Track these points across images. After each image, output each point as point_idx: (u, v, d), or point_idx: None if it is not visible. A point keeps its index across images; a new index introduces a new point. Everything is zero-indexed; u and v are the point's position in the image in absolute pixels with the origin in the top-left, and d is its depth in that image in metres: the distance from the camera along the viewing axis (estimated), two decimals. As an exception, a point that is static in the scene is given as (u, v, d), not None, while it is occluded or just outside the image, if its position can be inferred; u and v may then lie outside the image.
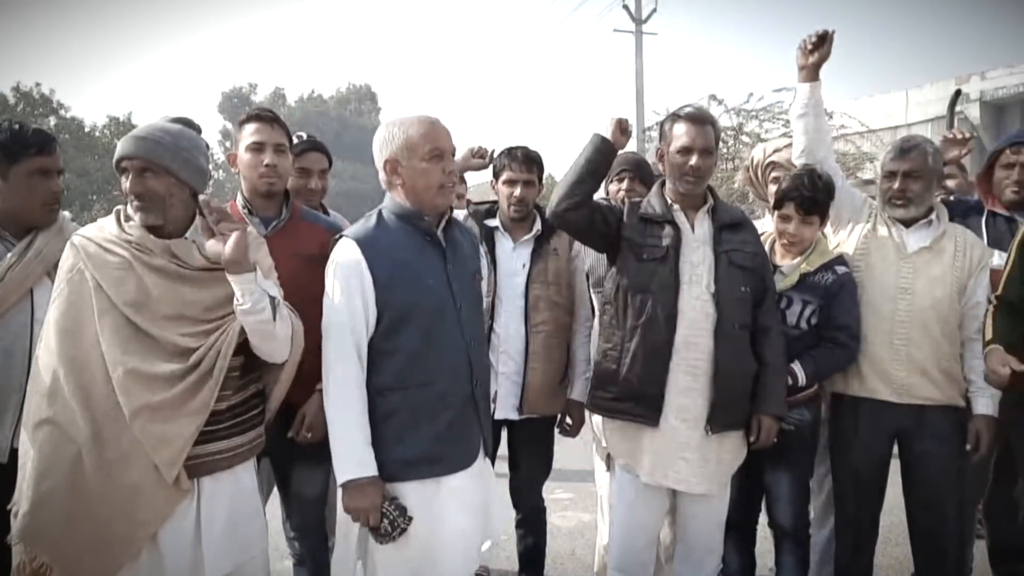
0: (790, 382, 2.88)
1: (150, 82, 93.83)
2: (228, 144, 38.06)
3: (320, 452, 2.34)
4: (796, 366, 2.91)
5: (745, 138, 13.99)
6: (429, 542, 2.29)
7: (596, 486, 3.68)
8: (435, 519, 2.29)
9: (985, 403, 2.97)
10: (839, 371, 3.01)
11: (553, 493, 4.88)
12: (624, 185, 3.51)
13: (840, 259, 3.03)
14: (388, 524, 2.21)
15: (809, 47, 3.08)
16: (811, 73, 3.12)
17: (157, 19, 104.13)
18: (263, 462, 2.76)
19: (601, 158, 2.74)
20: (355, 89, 53.07)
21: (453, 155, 2.39)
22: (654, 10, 21.17)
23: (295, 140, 3.08)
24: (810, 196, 2.98)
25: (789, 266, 3.02)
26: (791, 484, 3.01)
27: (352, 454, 2.22)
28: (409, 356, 2.28)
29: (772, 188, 3.43)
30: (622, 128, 2.76)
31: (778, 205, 3.04)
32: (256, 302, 2.12)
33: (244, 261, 2.11)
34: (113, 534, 2.06)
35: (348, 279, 2.25)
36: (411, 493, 2.28)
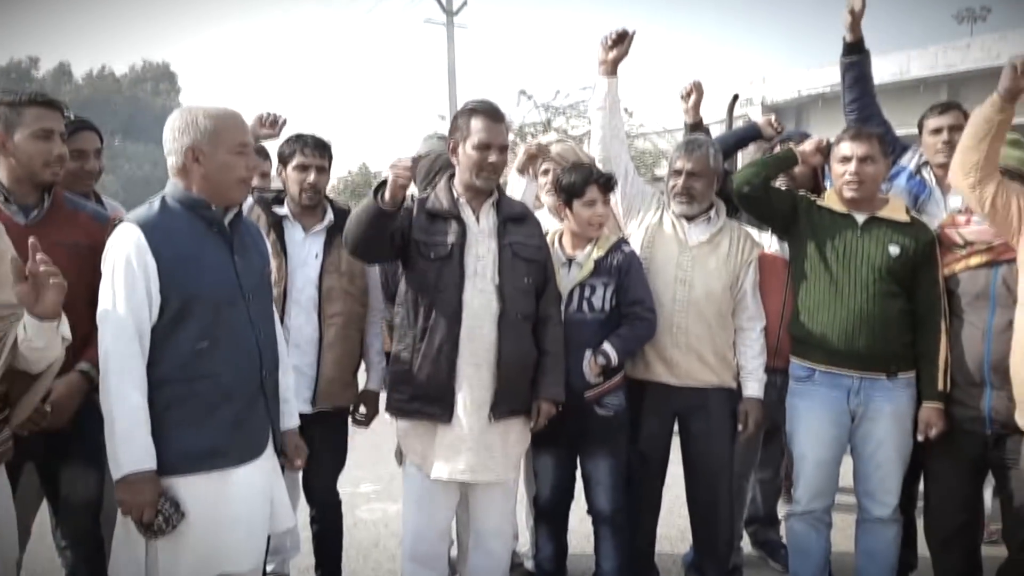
0: (603, 362, 3.00)
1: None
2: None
3: (93, 453, 2.21)
4: (607, 347, 3.01)
5: (553, 134, 14.45)
6: (213, 535, 2.21)
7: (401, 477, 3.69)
8: (220, 512, 2.22)
9: (754, 387, 3.23)
10: (644, 343, 3.14)
11: (358, 486, 4.84)
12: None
13: (623, 239, 3.21)
14: (162, 520, 2.12)
15: (609, 43, 3.23)
16: (610, 68, 3.27)
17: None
18: (26, 468, 2.55)
19: None
20: (151, 67, 49.79)
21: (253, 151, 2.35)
22: (464, 3, 21.40)
23: None
24: (609, 177, 3.14)
25: (582, 256, 3.13)
26: (609, 470, 3.13)
27: (132, 448, 2.10)
28: (194, 347, 2.20)
29: (542, 180, 3.57)
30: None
31: (578, 193, 3.11)
32: (49, 344, 2.00)
33: (55, 312, 1.99)
34: None
35: (130, 266, 2.14)
36: (195, 486, 2.19)
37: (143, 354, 2.15)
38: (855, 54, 3.67)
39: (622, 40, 3.23)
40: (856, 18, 3.57)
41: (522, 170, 3.59)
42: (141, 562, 2.20)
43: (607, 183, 3.13)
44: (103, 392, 2.14)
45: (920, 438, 2.94)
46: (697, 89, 3.99)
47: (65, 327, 2.09)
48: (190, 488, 2.19)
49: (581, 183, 3.11)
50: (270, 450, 2.41)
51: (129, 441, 2.11)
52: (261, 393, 2.35)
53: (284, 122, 3.51)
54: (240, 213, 2.40)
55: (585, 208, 3.12)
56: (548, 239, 3.20)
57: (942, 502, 3.01)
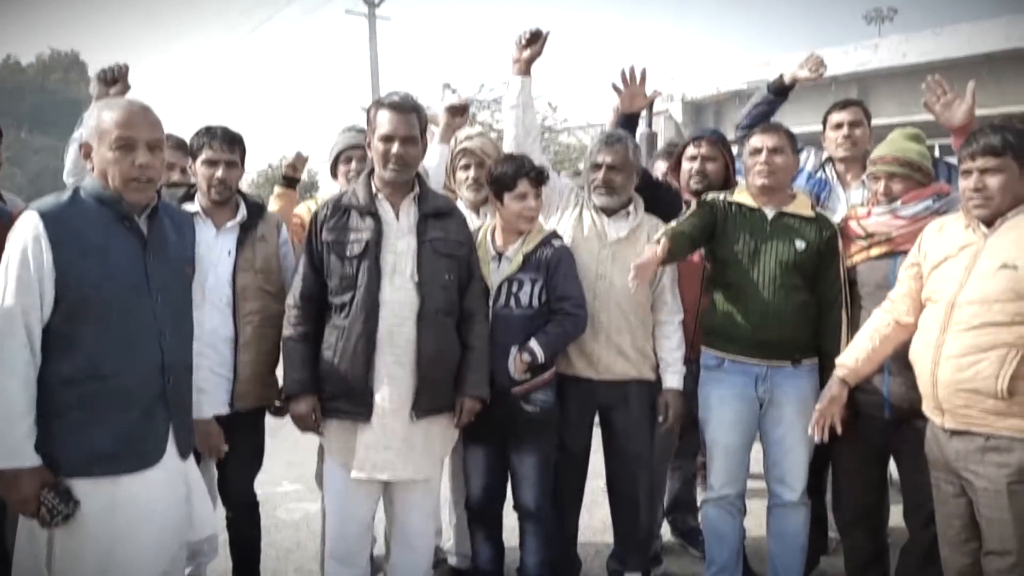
0: (528, 359, 3.00)
1: None
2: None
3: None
4: (533, 344, 3.00)
5: (478, 127, 14.48)
6: (108, 541, 2.15)
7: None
8: (114, 518, 2.15)
9: (673, 378, 3.29)
10: (572, 340, 3.14)
11: (280, 486, 4.77)
12: (353, 166, 3.60)
13: (554, 234, 3.20)
14: (46, 512, 2.07)
15: (523, 43, 3.25)
16: (524, 67, 3.28)
17: None
18: None
19: None
20: (60, 56, 47.87)
21: (158, 147, 2.23)
22: (386, -6, 21.20)
23: None
24: (541, 170, 3.13)
25: (512, 250, 3.13)
26: (535, 466, 3.13)
27: (6, 442, 2.04)
28: (90, 348, 2.13)
29: (461, 176, 3.55)
30: None
31: (509, 186, 3.10)
32: None
33: None
34: None
35: (24, 255, 2.07)
36: (89, 490, 2.13)
37: (31, 348, 2.08)
38: (780, 96, 3.81)
39: (536, 40, 3.26)
40: (808, 79, 3.70)
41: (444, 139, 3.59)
42: (42, 567, 2.13)
43: (539, 176, 3.12)
44: None
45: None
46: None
47: None
48: (80, 492, 2.12)
49: (512, 175, 3.10)
50: (177, 456, 2.32)
51: (4, 435, 2.05)
52: (161, 400, 2.26)
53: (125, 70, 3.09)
54: (157, 209, 2.31)
55: (515, 201, 3.10)
56: (481, 233, 3.20)
57: (847, 485, 3.14)
